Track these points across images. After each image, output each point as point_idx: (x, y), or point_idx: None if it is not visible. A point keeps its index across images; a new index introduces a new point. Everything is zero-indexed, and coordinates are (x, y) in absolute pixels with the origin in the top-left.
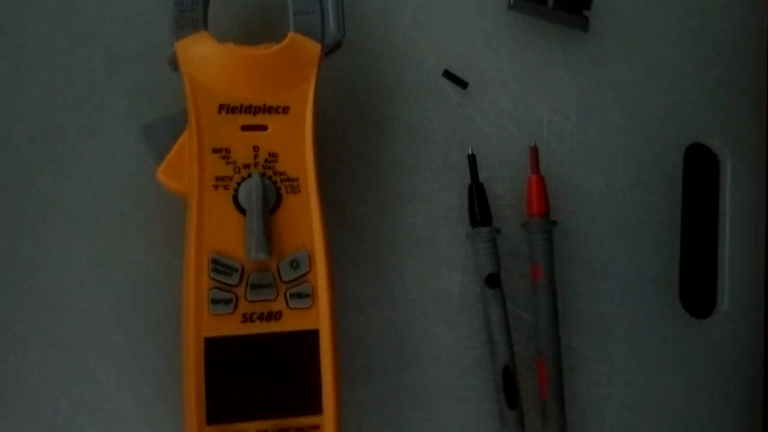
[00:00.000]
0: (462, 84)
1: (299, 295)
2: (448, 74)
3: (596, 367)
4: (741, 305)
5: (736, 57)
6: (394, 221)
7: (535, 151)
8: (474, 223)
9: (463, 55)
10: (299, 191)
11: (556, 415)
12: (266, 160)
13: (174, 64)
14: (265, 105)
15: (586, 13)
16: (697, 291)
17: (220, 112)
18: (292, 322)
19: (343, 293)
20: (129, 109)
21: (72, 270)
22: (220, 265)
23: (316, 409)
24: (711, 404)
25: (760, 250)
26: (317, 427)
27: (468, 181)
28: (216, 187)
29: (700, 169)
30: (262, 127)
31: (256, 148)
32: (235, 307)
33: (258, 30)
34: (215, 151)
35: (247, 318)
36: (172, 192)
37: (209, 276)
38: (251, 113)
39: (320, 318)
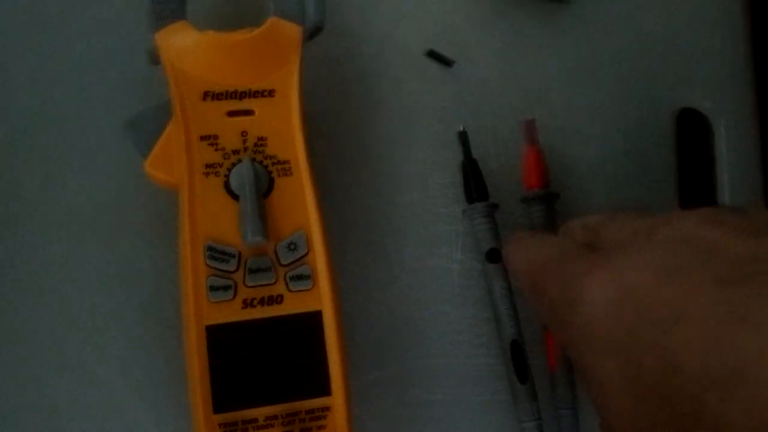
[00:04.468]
0: (448, 62)
1: (299, 277)
2: (432, 53)
3: None
4: None
5: (720, 19)
6: (390, 202)
7: (530, 123)
8: (470, 199)
9: (446, 34)
10: (291, 174)
11: (566, 385)
12: (255, 145)
13: (155, 56)
14: (249, 89)
15: None
16: None
17: (204, 99)
18: (293, 305)
19: (344, 277)
20: (113, 107)
21: (64, 270)
22: (216, 252)
23: (325, 390)
24: None
25: (759, 208)
26: (327, 408)
27: (461, 158)
28: (206, 174)
29: (692, 133)
30: (249, 112)
31: (244, 134)
32: (235, 294)
33: (237, 17)
34: (203, 138)
35: (248, 303)
36: (162, 184)
37: (206, 264)
38: (237, 98)
39: (322, 298)
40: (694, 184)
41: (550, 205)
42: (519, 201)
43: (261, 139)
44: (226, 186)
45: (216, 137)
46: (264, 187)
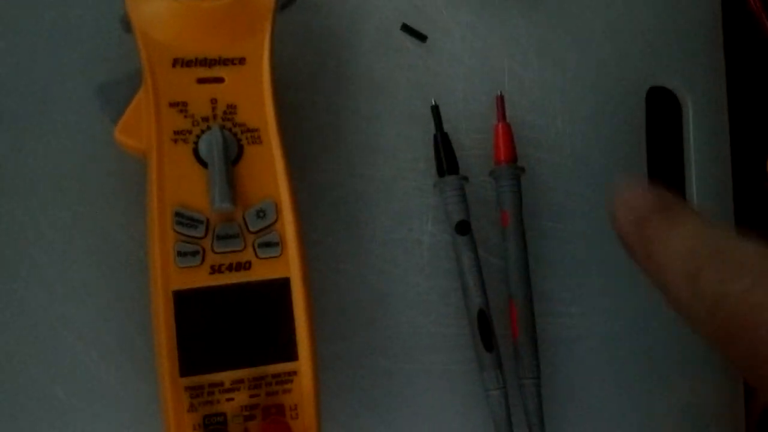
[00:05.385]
0: (421, 37)
1: (267, 244)
2: (406, 28)
3: (567, 309)
4: None
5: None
6: (362, 175)
7: (501, 100)
8: (441, 172)
9: (420, 9)
10: (261, 142)
11: (529, 355)
12: (225, 112)
13: (126, 24)
14: (220, 57)
15: None
16: None
17: (174, 66)
18: (262, 272)
19: (313, 248)
20: (84, 73)
21: (34, 237)
22: (184, 218)
23: (292, 355)
24: (686, 340)
25: (726, 186)
26: (294, 372)
27: (432, 132)
28: (175, 141)
29: (662, 111)
30: (219, 80)
31: (213, 101)
32: (203, 259)
33: None
34: (172, 105)
35: (216, 269)
36: (131, 150)
37: (173, 229)
38: (207, 66)
39: (290, 265)
40: (663, 160)
41: (516, 179)
42: (488, 175)
43: (230, 106)
44: (195, 153)
45: (185, 104)
46: (233, 154)
